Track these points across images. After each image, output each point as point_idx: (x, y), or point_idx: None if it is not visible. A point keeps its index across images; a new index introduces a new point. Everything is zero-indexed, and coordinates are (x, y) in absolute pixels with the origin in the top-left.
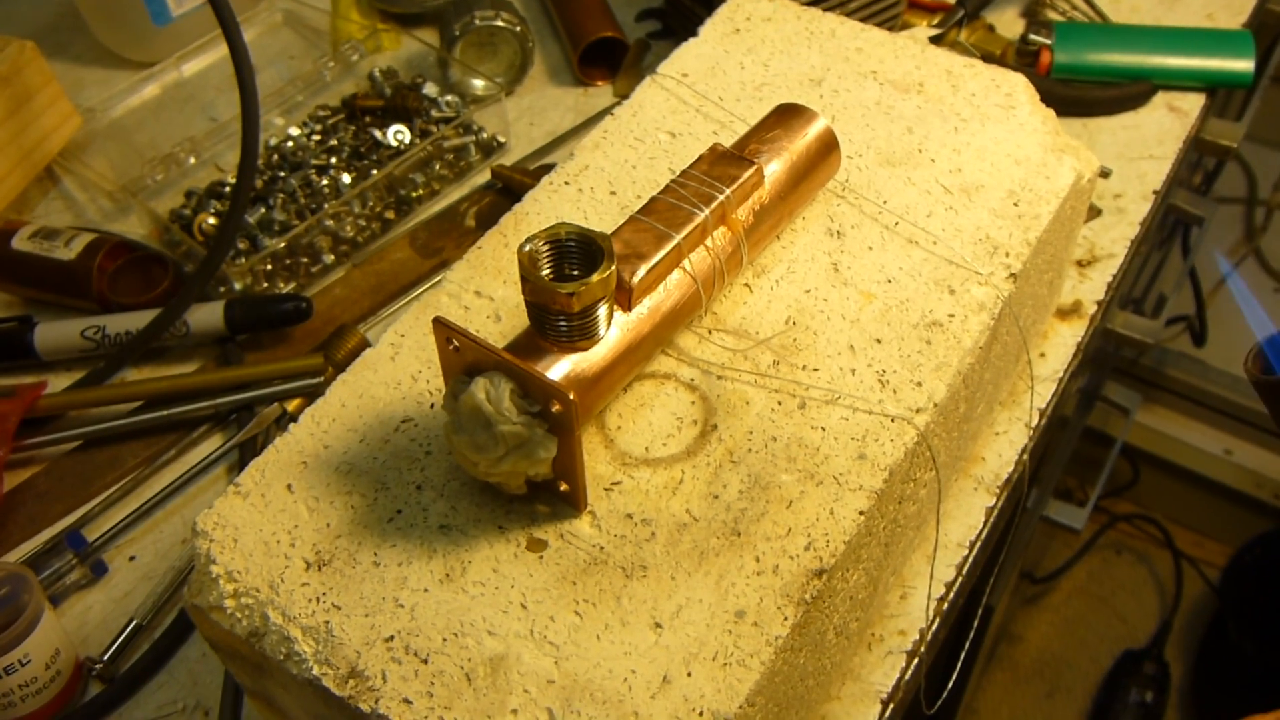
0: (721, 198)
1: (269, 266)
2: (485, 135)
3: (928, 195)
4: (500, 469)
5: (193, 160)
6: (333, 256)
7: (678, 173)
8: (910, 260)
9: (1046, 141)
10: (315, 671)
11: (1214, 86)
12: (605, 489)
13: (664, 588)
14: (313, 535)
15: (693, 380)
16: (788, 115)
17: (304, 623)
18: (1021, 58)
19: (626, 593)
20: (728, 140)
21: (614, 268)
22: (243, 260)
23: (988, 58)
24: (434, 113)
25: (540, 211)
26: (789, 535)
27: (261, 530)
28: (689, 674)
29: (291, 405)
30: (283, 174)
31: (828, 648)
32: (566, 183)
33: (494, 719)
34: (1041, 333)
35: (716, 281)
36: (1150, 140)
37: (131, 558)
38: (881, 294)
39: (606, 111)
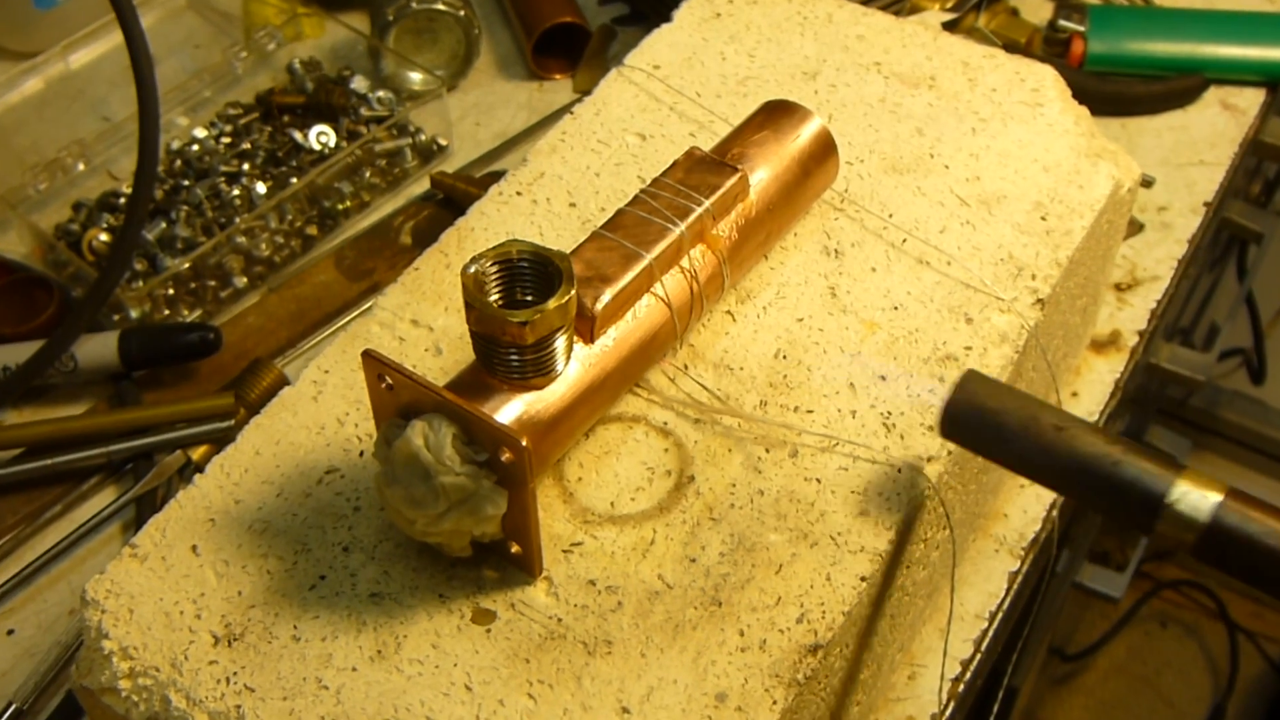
0: (699, 211)
1: (171, 291)
2: (423, 138)
3: (941, 207)
4: (441, 528)
5: (82, 167)
6: (245, 279)
7: (648, 181)
8: (920, 283)
9: (1079, 145)
10: None
11: (1276, 81)
12: (564, 551)
13: (632, 666)
14: (222, 605)
15: (666, 424)
16: (777, 114)
17: (211, 707)
18: (1050, 47)
19: (588, 672)
20: (707, 143)
21: (574, 292)
22: (140, 284)
23: (1010, 47)
24: (364, 111)
25: (488, 227)
26: (778, 605)
27: (162, 599)
28: None
29: (197, 453)
30: (187, 183)
31: None
32: (519, 193)
33: None
34: (1074, 368)
35: (694, 309)
36: (1201, 143)
37: (10, 631)
38: (887, 323)
39: (565, 110)
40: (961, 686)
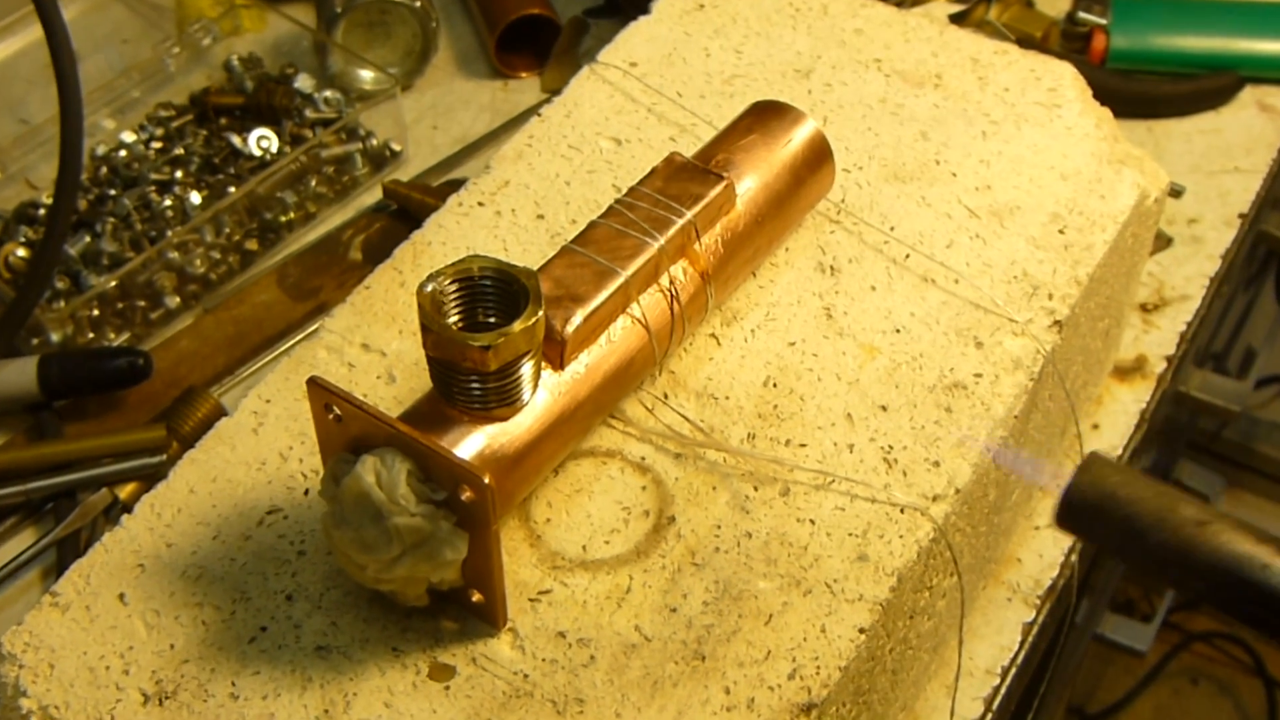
0: (681, 223)
1: (96, 312)
2: (375, 142)
3: (947, 220)
4: (395, 574)
5: None
6: (178, 299)
7: (624, 191)
8: (925, 304)
9: (1101, 150)
10: None
11: None
12: (531, 600)
13: None
14: (152, 659)
15: (644, 459)
16: (766, 116)
17: None
18: (1069, 42)
19: None
20: (689, 149)
21: (542, 314)
22: (62, 304)
23: (1025, 42)
24: (309, 113)
25: (446, 241)
26: (768, 660)
27: (86, 653)
28: None
29: (125, 491)
30: (113, 192)
31: None
32: (480, 203)
33: None
34: (1095, 397)
35: (675, 331)
36: (1235, 149)
37: None
38: (888, 347)
39: (532, 111)
40: None
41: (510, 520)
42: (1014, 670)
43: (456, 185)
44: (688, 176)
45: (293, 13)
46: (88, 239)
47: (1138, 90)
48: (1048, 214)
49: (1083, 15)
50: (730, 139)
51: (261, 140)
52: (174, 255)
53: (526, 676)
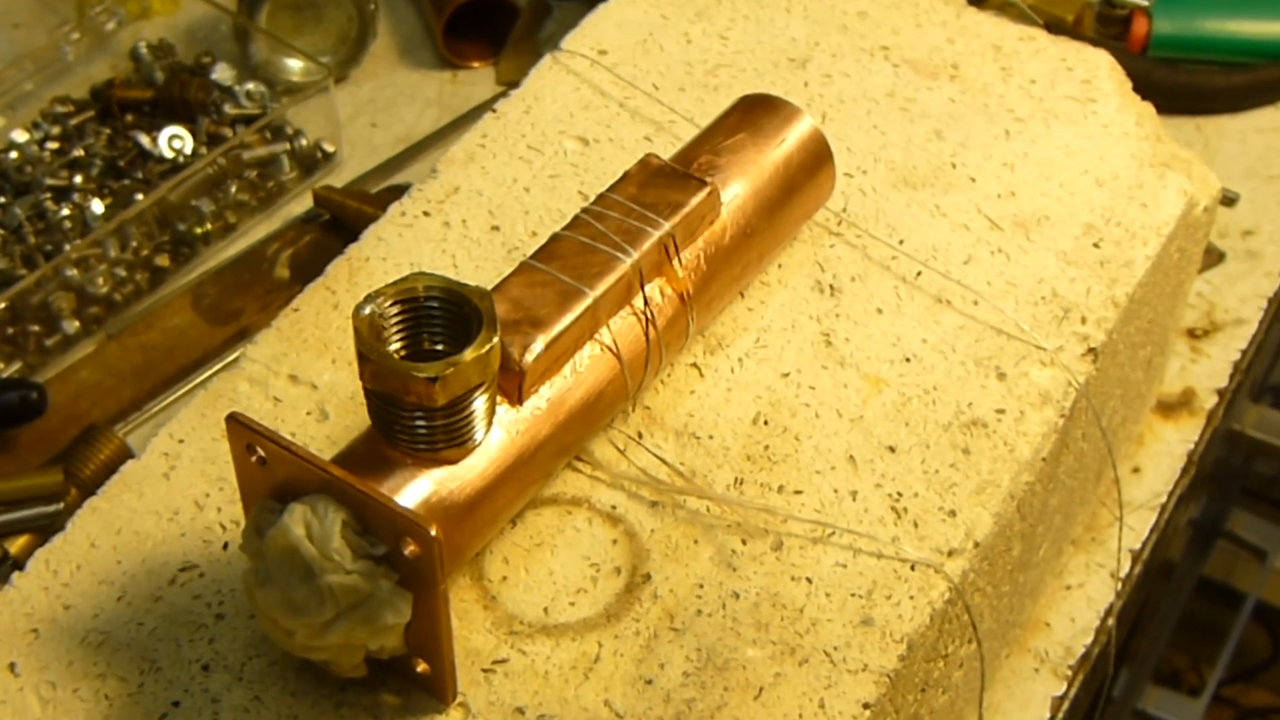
0: (657, 236)
1: None
2: (305, 143)
3: (965, 231)
4: (328, 640)
5: None
6: (77, 323)
7: (592, 199)
8: (939, 329)
9: (1142, 152)
10: None
11: None
12: (484, 670)
13: None
14: None
15: (615, 508)
16: (757, 113)
17: None
18: (1105, 27)
19: None
20: (667, 150)
21: (497, 340)
22: None
23: (1054, 27)
24: (229, 109)
25: (387, 256)
26: None
27: None
28: None
29: (15, 545)
30: (2, 200)
31: None
32: (426, 213)
33: None
34: (1135, 436)
35: (650, 361)
36: None
37: None
38: (896, 379)
39: (486, 107)
40: None
41: (461, 578)
42: None
43: (398, 192)
44: (665, 182)
45: None
46: None
47: (1184, 82)
48: (1081, 225)
49: None
50: (715, 138)
51: (174, 140)
52: (72, 273)
53: None
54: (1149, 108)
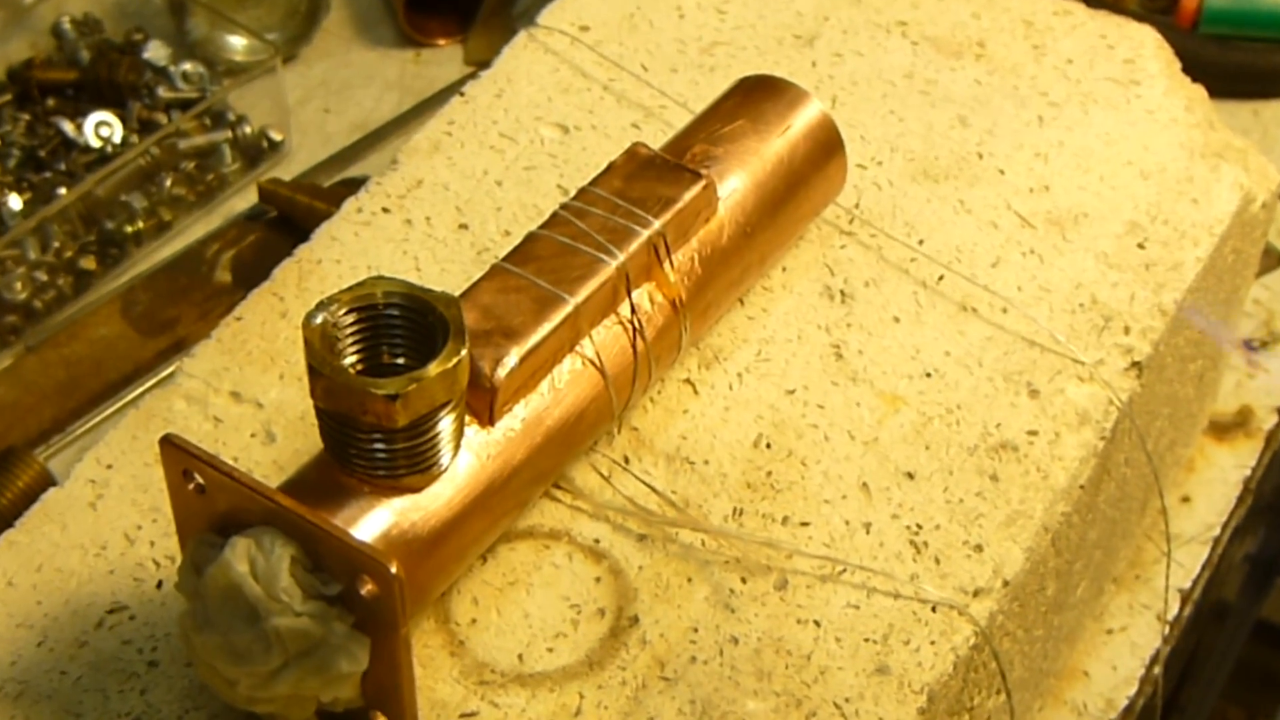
0: (646, 235)
1: None
2: (249, 130)
3: (993, 230)
4: (275, 691)
5: None
6: None
7: (573, 193)
8: (964, 340)
9: (1193, 140)
10: None
11: None
12: None
13: None
14: None
15: (599, 541)
16: (758, 97)
17: None
18: (1151, 0)
19: None
20: (657, 139)
21: (465, 353)
22: None
23: (1093, 0)
24: (163, 92)
25: (341, 258)
26: None
27: None
28: None
29: None
30: None
31: None
32: (386, 209)
33: None
34: (1185, 461)
35: (639, 376)
36: None
37: None
38: (916, 397)
39: (453, 90)
40: None
41: (425, 621)
42: None
43: (355, 186)
44: (655, 175)
45: None
46: None
47: (1239, 62)
48: (1123, 223)
49: None
50: (711, 125)
51: (101, 127)
52: None
53: None
54: (1200, 90)
